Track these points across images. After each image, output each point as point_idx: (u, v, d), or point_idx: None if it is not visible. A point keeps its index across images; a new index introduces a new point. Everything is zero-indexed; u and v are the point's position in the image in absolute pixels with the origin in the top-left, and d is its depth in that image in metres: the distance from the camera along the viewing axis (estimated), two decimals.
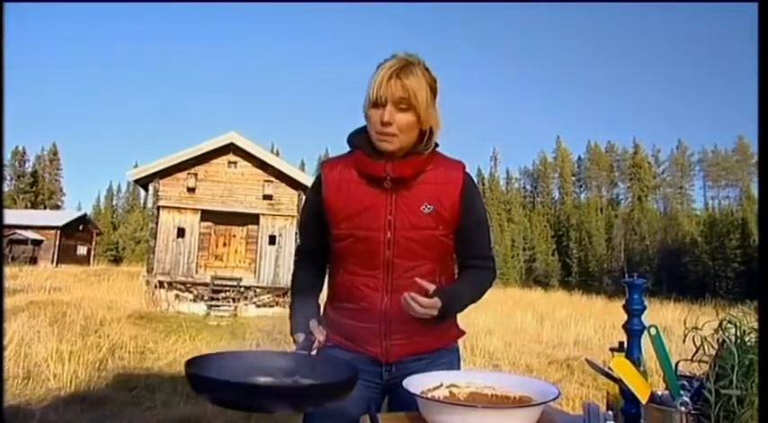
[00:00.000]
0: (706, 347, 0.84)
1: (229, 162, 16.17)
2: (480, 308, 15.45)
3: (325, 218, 1.44)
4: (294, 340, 1.31)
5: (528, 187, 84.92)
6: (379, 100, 1.33)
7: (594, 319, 13.67)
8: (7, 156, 72.51)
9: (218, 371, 0.92)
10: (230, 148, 16.01)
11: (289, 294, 1.56)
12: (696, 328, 0.84)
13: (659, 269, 51.86)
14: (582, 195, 79.23)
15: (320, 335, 1.29)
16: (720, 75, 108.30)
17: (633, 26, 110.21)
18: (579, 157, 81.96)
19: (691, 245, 54.41)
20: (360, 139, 1.43)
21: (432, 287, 1.30)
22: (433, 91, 1.40)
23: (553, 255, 68.23)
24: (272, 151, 19.68)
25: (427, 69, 1.39)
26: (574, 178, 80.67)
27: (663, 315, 13.67)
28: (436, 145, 1.45)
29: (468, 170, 1.49)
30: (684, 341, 0.84)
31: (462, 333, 1.54)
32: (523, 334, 11.39)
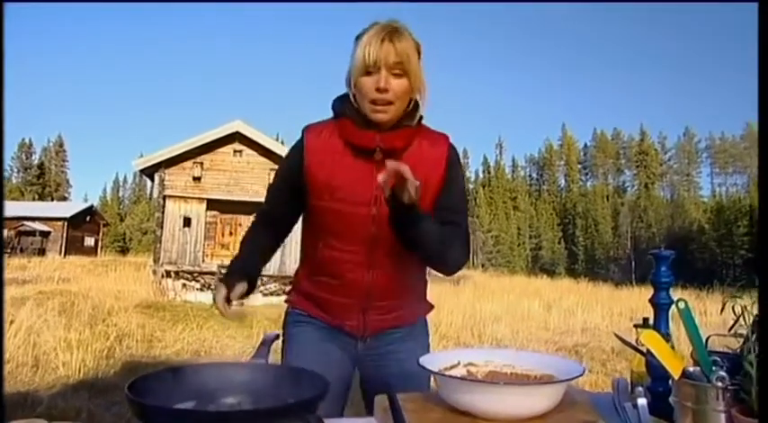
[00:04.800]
0: (746, 317, 0.78)
1: (235, 151, 16.13)
2: (487, 296, 15.46)
3: (305, 188, 1.35)
4: (226, 283, 1.34)
5: (534, 175, 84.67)
6: (373, 65, 1.24)
7: (602, 307, 13.66)
8: (13, 148, 72.90)
9: (174, 393, 0.84)
10: (235, 137, 15.97)
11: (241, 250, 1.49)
12: (735, 297, 0.78)
13: None
14: (588, 183, 78.94)
15: (240, 288, 1.33)
16: (728, 60, 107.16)
17: (639, 13, 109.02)
18: (585, 145, 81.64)
19: (698, 232, 54.15)
20: (346, 107, 1.33)
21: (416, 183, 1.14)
22: (420, 56, 1.32)
23: (559, 243, 68.11)
24: (276, 140, 19.61)
25: (411, 34, 1.30)
26: (580, 166, 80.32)
27: None
28: (421, 117, 1.38)
29: (452, 142, 1.41)
30: (722, 311, 0.79)
31: (432, 307, 1.53)
32: (530, 321, 11.38)
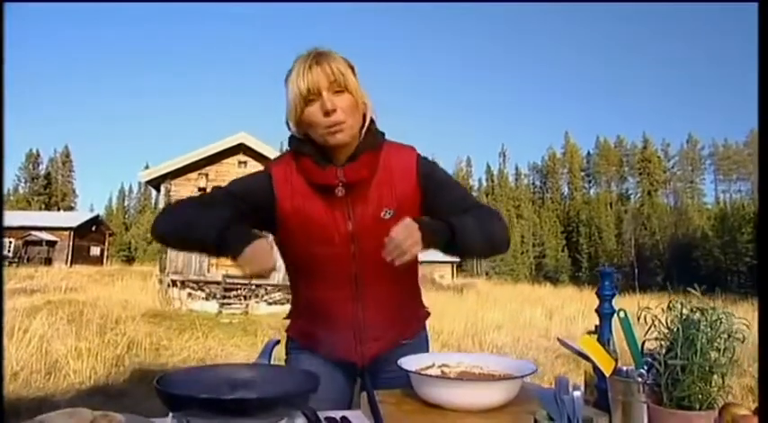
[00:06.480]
0: (657, 326, 0.97)
1: (239, 162, 16.36)
2: (490, 304, 15.56)
3: (278, 229, 1.33)
4: (235, 254, 1.15)
5: (537, 183, 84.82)
6: (311, 92, 1.23)
7: None
8: (21, 158, 73.55)
9: (191, 387, 0.98)
10: (240, 148, 16.20)
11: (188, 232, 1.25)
12: (648, 308, 0.97)
13: (670, 264, 51.59)
14: (591, 191, 79.10)
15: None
16: (731, 67, 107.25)
17: (641, 20, 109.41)
18: (588, 153, 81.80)
19: (701, 239, 54.02)
20: (305, 145, 1.31)
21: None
22: (354, 73, 1.30)
23: (563, 250, 68.09)
24: (280, 151, 19.73)
25: (339, 55, 1.30)
26: (583, 173, 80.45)
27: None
28: (382, 134, 1.36)
29: (419, 153, 1.38)
30: (639, 321, 0.97)
31: (428, 313, 1.52)
32: (532, 329, 11.48)
